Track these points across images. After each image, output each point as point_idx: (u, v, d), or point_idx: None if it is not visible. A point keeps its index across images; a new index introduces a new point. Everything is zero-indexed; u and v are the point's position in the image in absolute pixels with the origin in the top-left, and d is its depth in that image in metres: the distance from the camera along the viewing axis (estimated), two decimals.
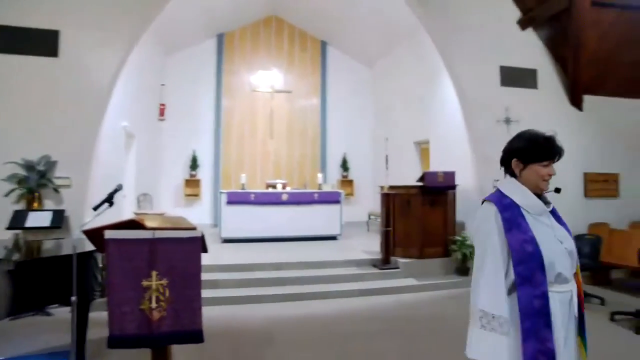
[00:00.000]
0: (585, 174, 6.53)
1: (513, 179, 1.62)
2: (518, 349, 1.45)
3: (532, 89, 6.34)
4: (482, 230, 1.58)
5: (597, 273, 5.79)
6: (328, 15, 10.03)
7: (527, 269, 1.46)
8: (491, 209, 1.57)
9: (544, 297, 1.44)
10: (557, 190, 1.70)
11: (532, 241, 1.47)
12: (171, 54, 10.37)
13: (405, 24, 8.36)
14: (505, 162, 1.65)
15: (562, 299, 1.50)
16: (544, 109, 6.35)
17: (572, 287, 1.56)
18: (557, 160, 1.58)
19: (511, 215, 1.53)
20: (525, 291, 1.44)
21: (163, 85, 9.84)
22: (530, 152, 1.56)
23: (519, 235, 1.49)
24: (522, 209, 1.54)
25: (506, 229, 1.51)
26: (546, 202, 1.61)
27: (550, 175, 1.57)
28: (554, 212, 1.62)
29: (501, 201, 1.57)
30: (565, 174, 6.31)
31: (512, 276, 1.50)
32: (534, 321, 1.42)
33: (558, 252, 1.51)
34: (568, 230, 1.60)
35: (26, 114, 4.77)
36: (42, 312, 4.41)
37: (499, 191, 1.62)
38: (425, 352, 3.57)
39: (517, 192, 1.57)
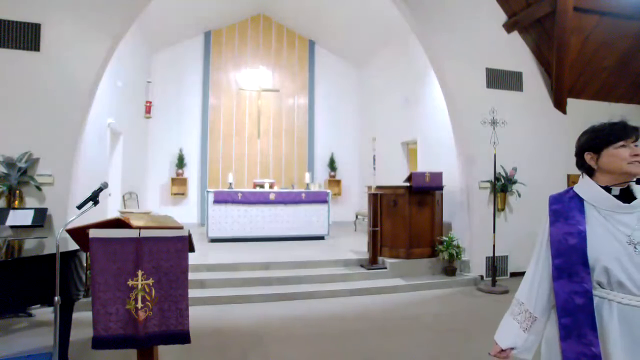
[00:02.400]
0: (569, 176, 6.67)
1: (586, 176, 1.51)
2: (547, 344, 1.45)
3: (517, 91, 6.46)
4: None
5: None
6: (316, 15, 10.04)
7: (566, 262, 1.39)
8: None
9: (587, 296, 1.34)
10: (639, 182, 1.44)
11: (579, 234, 1.38)
12: (157, 51, 10.25)
13: (393, 24, 8.43)
14: (580, 162, 1.53)
15: (627, 314, 1.30)
16: (529, 111, 6.47)
17: None
18: (637, 140, 1.40)
19: (562, 208, 1.47)
20: (563, 285, 1.38)
21: (149, 82, 9.71)
22: (596, 138, 1.46)
23: (564, 228, 1.42)
24: (586, 203, 1.44)
25: (551, 221, 1.47)
26: (624, 196, 1.40)
27: (637, 155, 1.37)
28: None
29: (561, 195, 1.52)
30: (549, 175, 6.44)
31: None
32: (575, 319, 1.34)
33: (614, 253, 1.33)
34: None
35: (6, 109, 4.65)
36: (24, 313, 4.31)
37: (570, 187, 1.54)
38: (413, 352, 3.60)
39: (584, 186, 1.48)
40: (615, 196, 1.39)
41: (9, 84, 4.67)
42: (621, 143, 1.39)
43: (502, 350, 1.54)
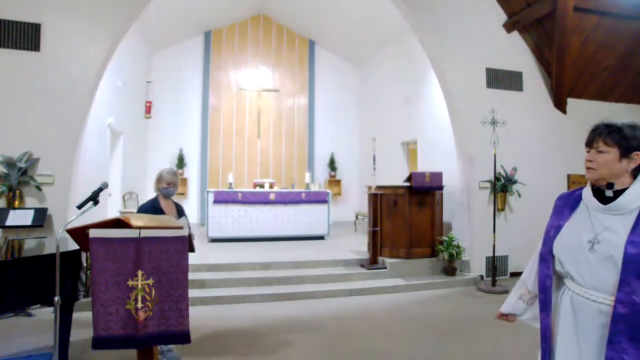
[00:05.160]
0: (569, 176, 6.66)
1: None
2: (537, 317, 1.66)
3: (517, 91, 6.46)
4: None
5: None
6: (316, 15, 10.04)
7: (544, 250, 1.58)
8: None
9: (550, 280, 1.55)
10: (609, 186, 1.47)
11: (558, 228, 1.54)
12: (157, 51, 10.25)
13: (393, 24, 8.43)
14: None
15: (577, 302, 1.45)
16: (529, 111, 6.47)
17: (606, 300, 1.37)
18: (596, 145, 1.46)
19: (561, 204, 1.61)
20: (541, 268, 1.59)
21: (149, 82, 9.71)
22: None
23: (553, 221, 1.58)
24: (582, 202, 1.53)
25: (551, 214, 1.63)
26: (605, 197, 1.45)
27: (588, 162, 1.47)
28: None
29: (569, 193, 1.63)
30: (549, 175, 6.44)
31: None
32: (545, 296, 1.56)
33: (571, 247, 1.46)
34: None
35: (6, 109, 4.65)
36: (24, 313, 4.31)
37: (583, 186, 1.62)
38: (413, 352, 3.60)
39: (585, 187, 1.55)
40: (609, 197, 1.43)
41: (9, 84, 4.67)
42: (587, 149, 1.50)
43: (503, 315, 1.82)
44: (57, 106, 4.79)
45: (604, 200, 1.44)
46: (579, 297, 1.44)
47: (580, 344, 1.42)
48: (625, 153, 1.40)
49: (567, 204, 1.57)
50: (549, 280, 1.55)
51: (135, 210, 7.69)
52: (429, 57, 6.41)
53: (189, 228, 3.13)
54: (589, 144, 1.49)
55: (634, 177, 1.42)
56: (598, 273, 1.38)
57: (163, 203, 3.26)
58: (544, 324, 1.56)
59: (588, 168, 1.47)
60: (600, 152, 1.43)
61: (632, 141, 1.40)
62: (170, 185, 3.23)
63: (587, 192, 1.51)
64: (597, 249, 1.39)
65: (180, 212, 3.34)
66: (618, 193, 1.42)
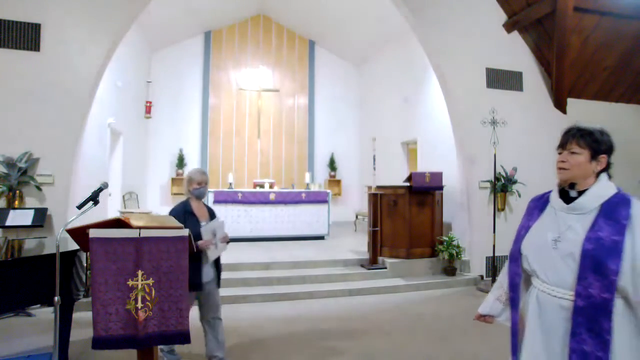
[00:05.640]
0: None
1: None
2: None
3: (517, 91, 6.45)
4: None
5: None
6: (316, 15, 10.04)
7: (514, 249, 1.66)
8: None
9: (519, 277, 1.65)
10: (571, 186, 1.55)
11: (527, 228, 1.63)
12: (157, 51, 10.25)
13: (393, 25, 8.43)
14: None
15: (541, 299, 1.53)
16: (529, 111, 6.47)
17: (566, 295, 1.46)
18: (568, 147, 1.54)
19: (533, 205, 1.70)
20: (511, 267, 1.68)
21: (149, 82, 9.71)
22: None
23: (525, 222, 1.67)
24: (550, 204, 1.61)
25: (523, 216, 1.72)
26: (569, 198, 1.53)
27: (560, 162, 1.56)
28: (607, 213, 1.45)
29: (540, 195, 1.71)
30: (549, 175, 6.43)
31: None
32: (515, 294, 1.66)
33: (537, 245, 1.56)
34: (619, 236, 1.39)
35: (6, 109, 4.65)
36: (24, 313, 4.31)
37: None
38: (413, 352, 3.60)
39: (553, 189, 1.64)
40: (573, 198, 1.53)
41: (9, 84, 4.67)
42: (559, 150, 1.59)
43: (481, 316, 1.87)
44: (57, 106, 4.79)
45: (569, 201, 1.53)
46: (543, 294, 1.52)
47: (546, 339, 1.50)
48: (594, 155, 1.50)
49: (537, 205, 1.66)
50: (518, 277, 1.64)
51: (135, 210, 7.69)
52: (429, 57, 6.41)
53: (226, 233, 3.16)
54: (563, 145, 1.57)
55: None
56: (560, 270, 1.47)
57: (195, 205, 3.13)
58: (513, 320, 1.66)
59: (560, 168, 1.55)
60: (573, 153, 1.52)
61: (601, 145, 1.51)
62: (201, 185, 3.13)
63: (554, 194, 1.61)
64: (559, 246, 1.48)
65: (213, 215, 3.24)
66: (582, 194, 1.51)
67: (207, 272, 3.04)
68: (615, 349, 1.36)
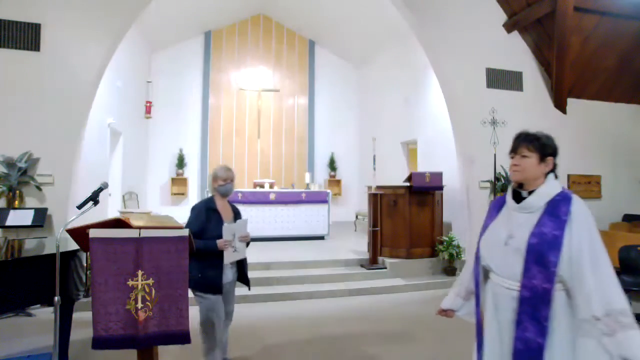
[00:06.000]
0: (569, 176, 6.66)
1: None
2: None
3: (517, 91, 6.45)
4: None
5: None
6: (316, 15, 10.04)
7: (477, 248, 1.79)
8: None
9: (481, 275, 1.78)
10: (520, 186, 1.72)
11: (485, 228, 1.77)
12: (157, 51, 10.25)
13: (393, 25, 8.42)
14: None
15: (496, 292, 1.66)
16: (529, 111, 6.45)
17: (513, 286, 1.58)
18: (520, 151, 1.68)
19: (492, 206, 1.83)
20: (474, 265, 1.81)
21: (149, 82, 9.71)
22: None
23: (485, 222, 1.81)
24: (506, 204, 1.74)
25: (485, 217, 1.84)
26: (521, 198, 1.66)
27: (514, 165, 1.69)
28: (551, 210, 1.57)
29: (500, 197, 1.82)
30: None
31: None
32: (477, 291, 1.80)
33: (491, 243, 1.70)
34: (559, 230, 1.52)
35: (6, 109, 4.65)
36: (24, 313, 4.31)
37: None
38: (413, 352, 3.60)
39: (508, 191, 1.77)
40: (525, 198, 1.65)
41: (9, 84, 4.67)
42: (511, 155, 1.72)
43: (443, 311, 2.03)
44: (57, 106, 4.79)
45: (521, 201, 1.66)
46: (497, 287, 1.65)
47: (500, 330, 1.63)
48: (542, 158, 1.66)
49: (496, 206, 1.79)
50: (480, 276, 1.77)
51: (135, 210, 7.69)
52: (429, 57, 6.41)
53: (248, 233, 3.04)
54: (514, 150, 1.70)
55: None
56: (510, 264, 1.59)
57: (220, 204, 3.00)
58: (477, 318, 1.78)
59: (514, 171, 1.68)
60: (523, 156, 1.66)
61: (547, 148, 1.68)
62: (226, 181, 2.98)
63: (508, 195, 1.74)
64: (510, 243, 1.61)
65: (237, 215, 3.13)
66: (532, 194, 1.65)
67: (227, 274, 2.99)
68: (555, 335, 1.49)
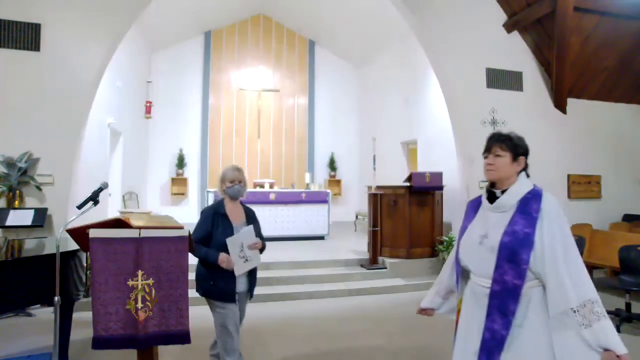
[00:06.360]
0: (569, 176, 6.66)
1: None
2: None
3: (517, 91, 6.45)
4: None
5: None
6: (316, 15, 10.04)
7: (456, 249, 1.84)
8: None
9: (461, 275, 1.83)
10: (492, 185, 1.75)
11: (464, 230, 1.80)
12: (157, 51, 10.25)
13: (393, 25, 8.41)
14: None
15: (473, 289, 1.70)
16: (529, 111, 6.46)
17: (487, 283, 1.61)
18: (493, 151, 1.71)
19: (468, 208, 1.85)
20: (456, 265, 1.84)
21: (149, 82, 9.71)
22: None
23: (463, 223, 1.83)
24: (482, 205, 1.77)
25: (463, 218, 1.86)
26: (495, 198, 1.69)
27: (489, 165, 1.72)
28: (523, 208, 1.60)
29: (476, 198, 1.86)
30: (550, 175, 6.44)
31: None
32: (457, 290, 1.86)
33: (468, 243, 1.73)
34: (530, 228, 1.54)
35: (6, 109, 4.65)
36: (24, 313, 4.31)
37: None
38: (413, 351, 3.60)
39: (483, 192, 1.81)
40: (497, 197, 1.68)
41: (9, 84, 4.67)
42: (485, 154, 1.75)
43: (423, 310, 2.10)
44: (57, 106, 4.79)
45: (494, 201, 1.69)
46: (474, 285, 1.70)
47: (471, 323, 1.68)
48: (515, 157, 1.69)
49: (473, 207, 1.82)
50: (460, 276, 1.82)
51: (135, 210, 7.69)
52: (429, 57, 6.41)
53: (262, 237, 2.85)
54: (488, 150, 1.73)
55: None
56: (484, 262, 1.63)
57: (229, 207, 2.80)
58: (457, 317, 1.82)
59: (488, 170, 1.71)
60: (497, 156, 1.69)
61: (519, 148, 1.72)
62: (234, 182, 2.80)
63: (483, 196, 1.77)
64: (484, 242, 1.64)
65: (250, 218, 2.89)
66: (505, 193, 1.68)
67: (241, 282, 2.83)
68: (528, 330, 1.54)
